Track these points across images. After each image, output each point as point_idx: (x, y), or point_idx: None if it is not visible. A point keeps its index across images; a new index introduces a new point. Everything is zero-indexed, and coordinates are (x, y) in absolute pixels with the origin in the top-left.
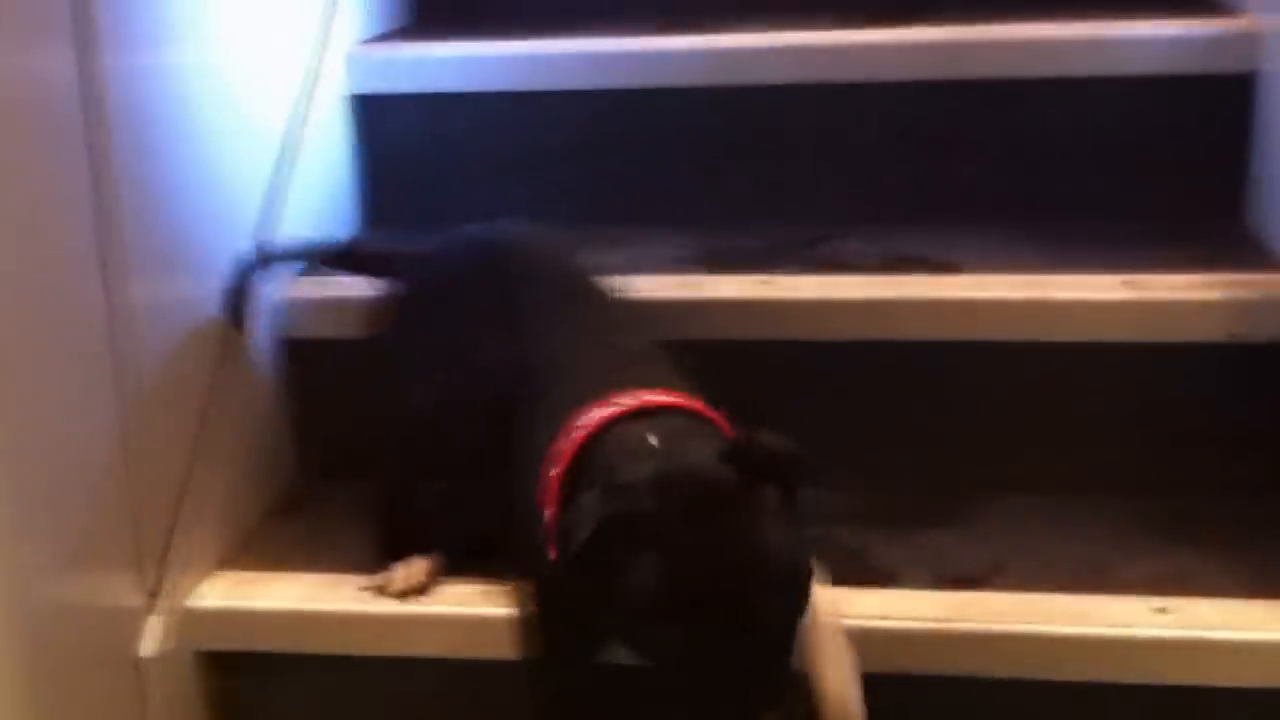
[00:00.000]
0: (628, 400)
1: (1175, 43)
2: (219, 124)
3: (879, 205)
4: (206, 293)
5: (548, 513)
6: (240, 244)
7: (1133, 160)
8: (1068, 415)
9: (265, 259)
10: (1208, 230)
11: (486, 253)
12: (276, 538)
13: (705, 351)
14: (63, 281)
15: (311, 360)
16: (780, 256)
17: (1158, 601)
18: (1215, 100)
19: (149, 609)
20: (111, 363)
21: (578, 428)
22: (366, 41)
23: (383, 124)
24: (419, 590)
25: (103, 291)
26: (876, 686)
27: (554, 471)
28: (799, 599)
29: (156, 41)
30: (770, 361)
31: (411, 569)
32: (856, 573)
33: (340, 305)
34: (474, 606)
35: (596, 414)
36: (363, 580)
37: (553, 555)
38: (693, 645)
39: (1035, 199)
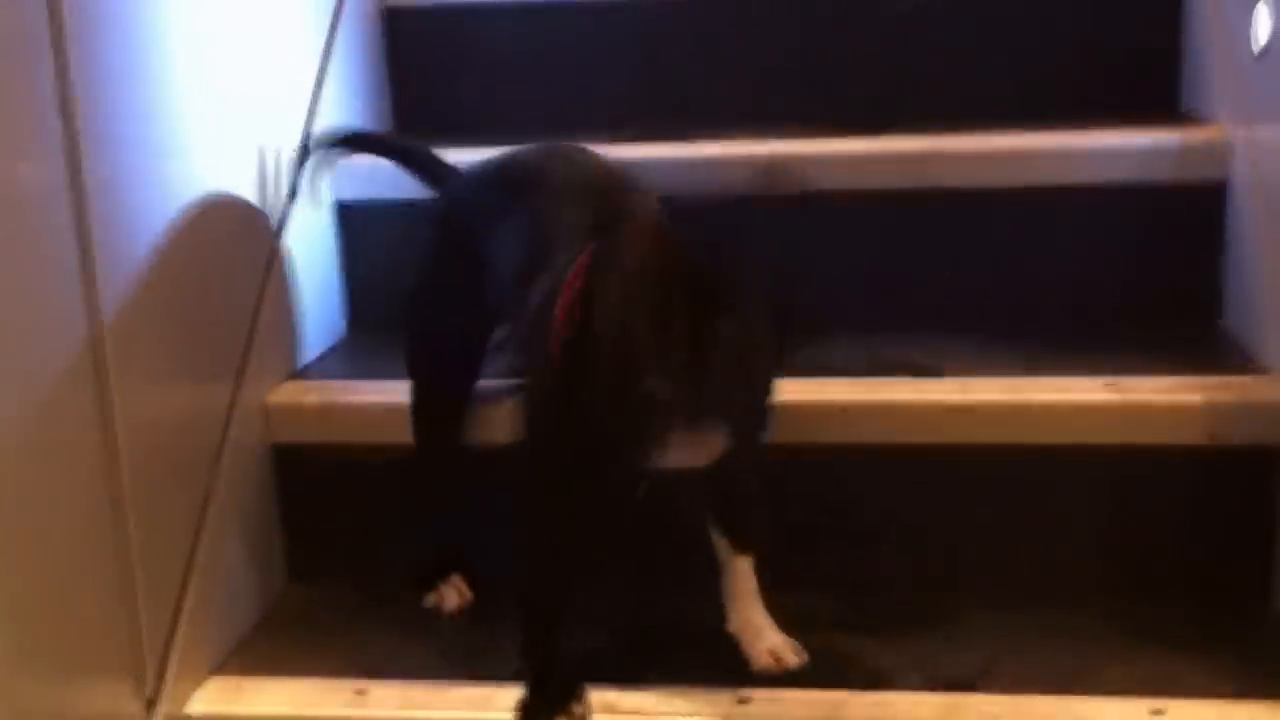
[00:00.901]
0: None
1: (1147, 153)
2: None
3: (862, 309)
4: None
5: (560, 316)
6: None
7: (1109, 265)
8: (1050, 516)
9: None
10: (1185, 332)
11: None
12: (268, 643)
13: None
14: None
15: (298, 464)
16: None
17: (1153, 703)
18: (1188, 207)
19: (146, 717)
20: (106, 478)
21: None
22: None
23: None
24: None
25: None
26: None
27: (570, 282)
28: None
29: None
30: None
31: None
32: (852, 677)
33: (324, 411)
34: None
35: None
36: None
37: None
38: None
39: (1015, 302)
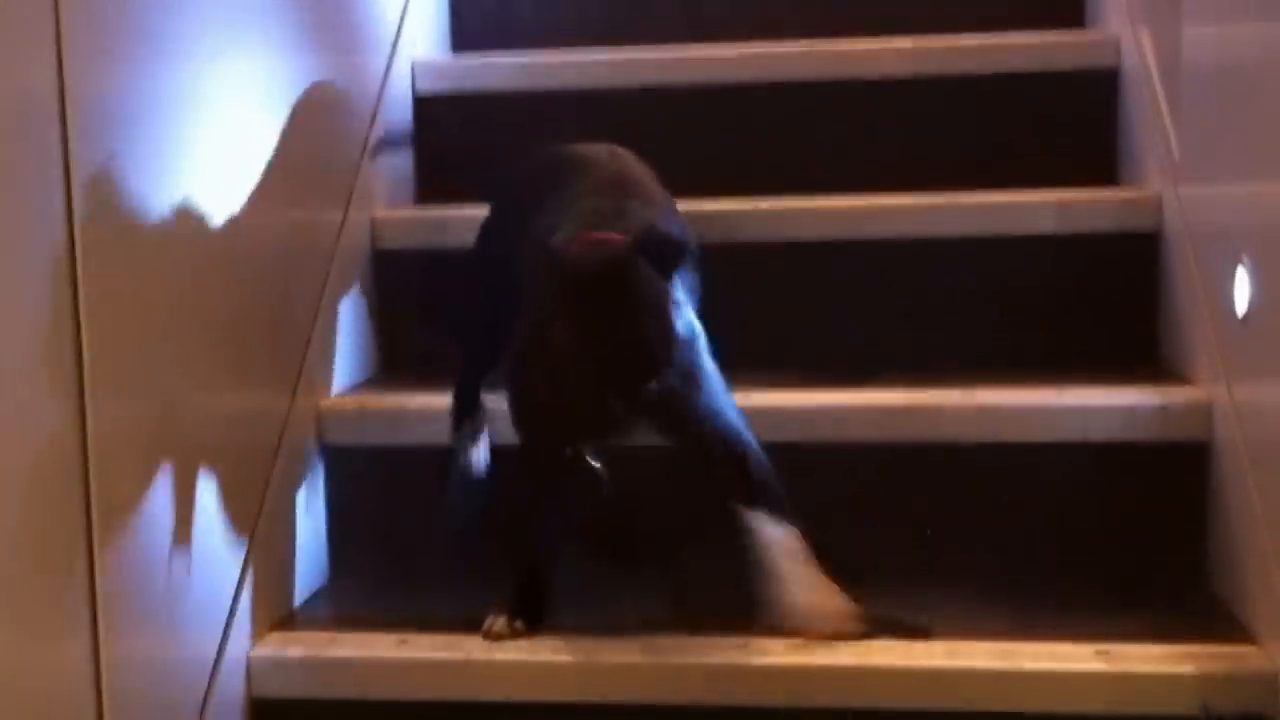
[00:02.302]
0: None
1: (1128, 412)
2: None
3: (851, 566)
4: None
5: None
6: None
7: (1094, 524)
8: None
9: None
10: (1172, 595)
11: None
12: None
13: None
14: None
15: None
16: (752, 622)
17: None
18: (1172, 466)
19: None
20: None
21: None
22: (342, 392)
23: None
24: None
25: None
26: None
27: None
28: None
29: None
30: None
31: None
32: None
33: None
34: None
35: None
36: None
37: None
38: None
39: (1003, 561)
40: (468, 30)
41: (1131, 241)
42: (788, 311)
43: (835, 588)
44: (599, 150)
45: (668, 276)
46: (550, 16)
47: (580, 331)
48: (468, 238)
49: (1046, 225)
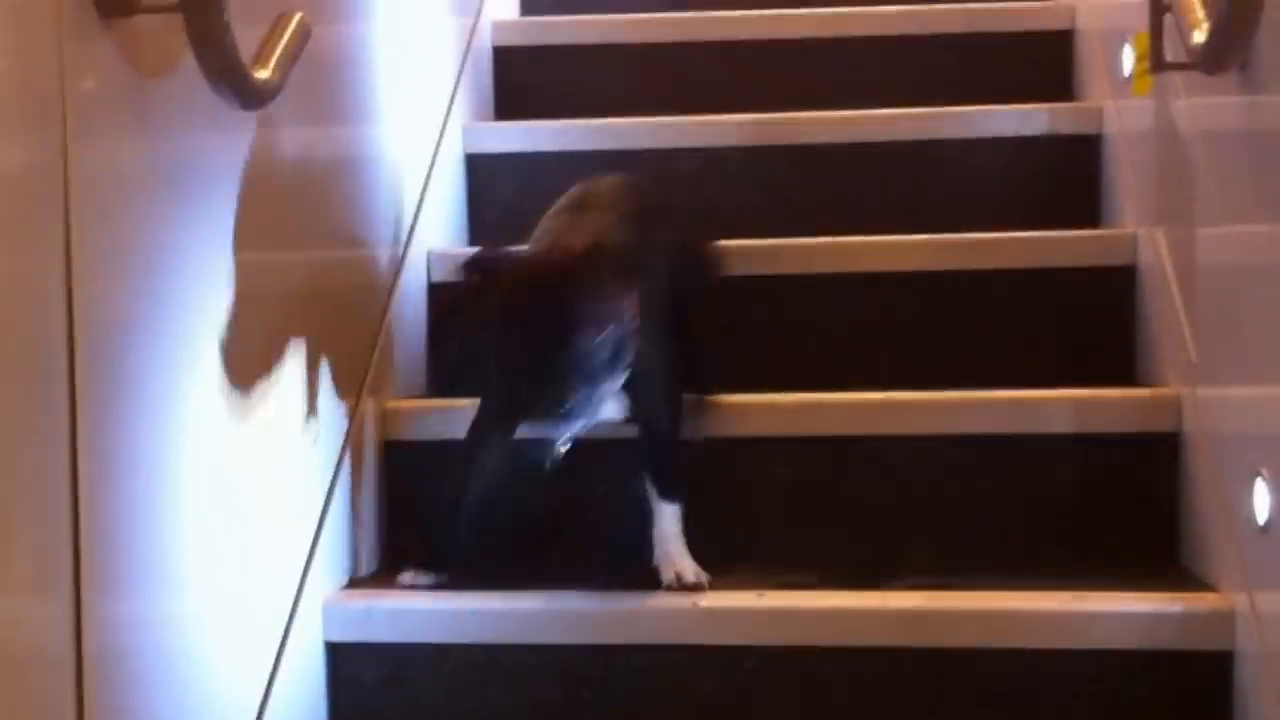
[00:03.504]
0: None
1: (1148, 619)
2: None
3: None
4: None
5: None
6: None
7: None
8: None
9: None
10: None
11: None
12: None
13: None
14: None
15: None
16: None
17: None
18: (1194, 675)
19: None
20: None
21: None
22: (343, 589)
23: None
24: None
25: None
26: None
27: None
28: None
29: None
30: None
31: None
32: None
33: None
34: None
35: None
36: None
37: None
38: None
39: None
40: (482, 230)
41: (1150, 443)
42: (803, 507)
43: (686, 553)
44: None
45: (622, 276)
46: None
47: (524, 320)
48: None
49: (1064, 425)
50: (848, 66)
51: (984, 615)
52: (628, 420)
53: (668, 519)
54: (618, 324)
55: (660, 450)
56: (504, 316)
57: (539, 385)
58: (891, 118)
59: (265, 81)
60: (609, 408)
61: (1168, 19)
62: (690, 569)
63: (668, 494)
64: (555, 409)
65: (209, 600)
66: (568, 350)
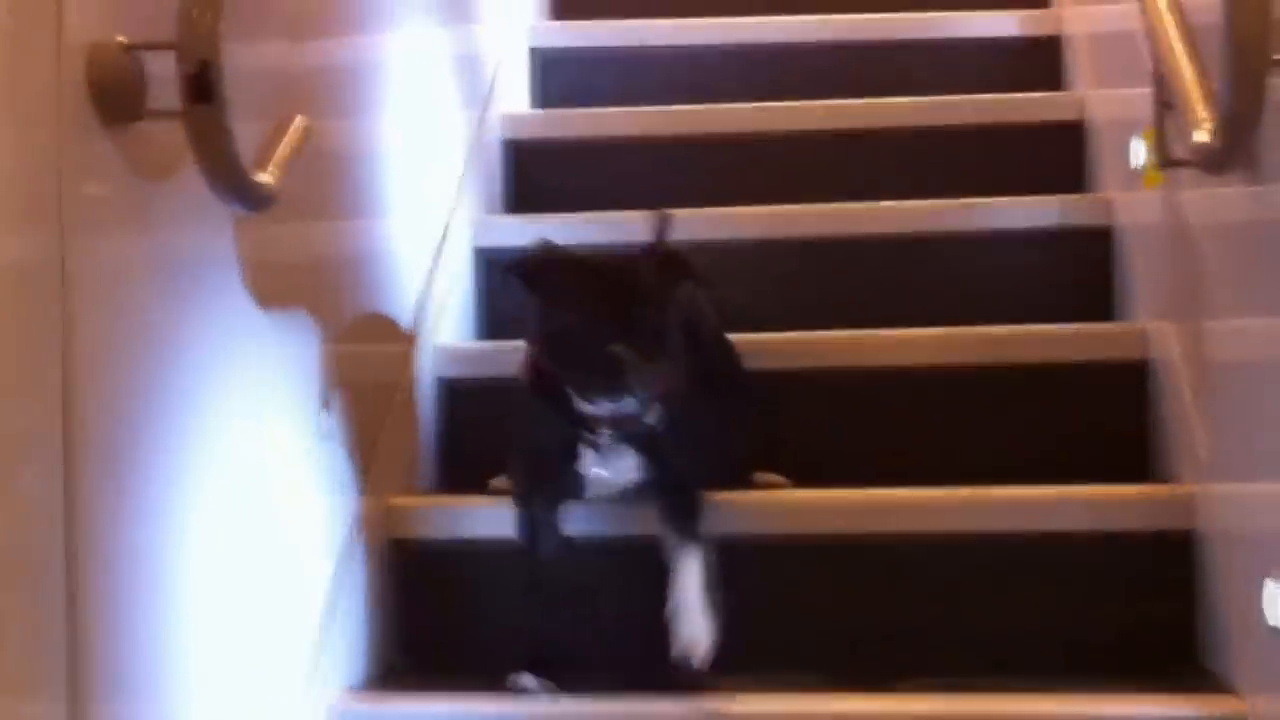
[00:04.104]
0: None
1: None
2: None
3: None
4: None
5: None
6: None
7: None
8: None
9: None
10: None
11: None
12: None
13: None
14: None
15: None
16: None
17: None
18: None
19: None
20: None
21: None
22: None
23: None
24: None
25: None
26: None
27: None
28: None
29: None
30: None
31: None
32: None
33: None
34: None
35: None
36: None
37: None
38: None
39: None
40: (494, 325)
41: (1166, 541)
42: (814, 606)
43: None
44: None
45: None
46: None
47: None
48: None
49: (1078, 522)
50: (860, 159)
51: (998, 719)
52: (647, 481)
53: (688, 562)
54: (665, 325)
55: (688, 497)
56: (562, 300)
57: (596, 359)
58: (903, 211)
59: (267, 187)
60: (630, 465)
61: (1172, 115)
62: (703, 636)
63: (690, 535)
64: (609, 382)
65: (209, 706)
66: (626, 328)
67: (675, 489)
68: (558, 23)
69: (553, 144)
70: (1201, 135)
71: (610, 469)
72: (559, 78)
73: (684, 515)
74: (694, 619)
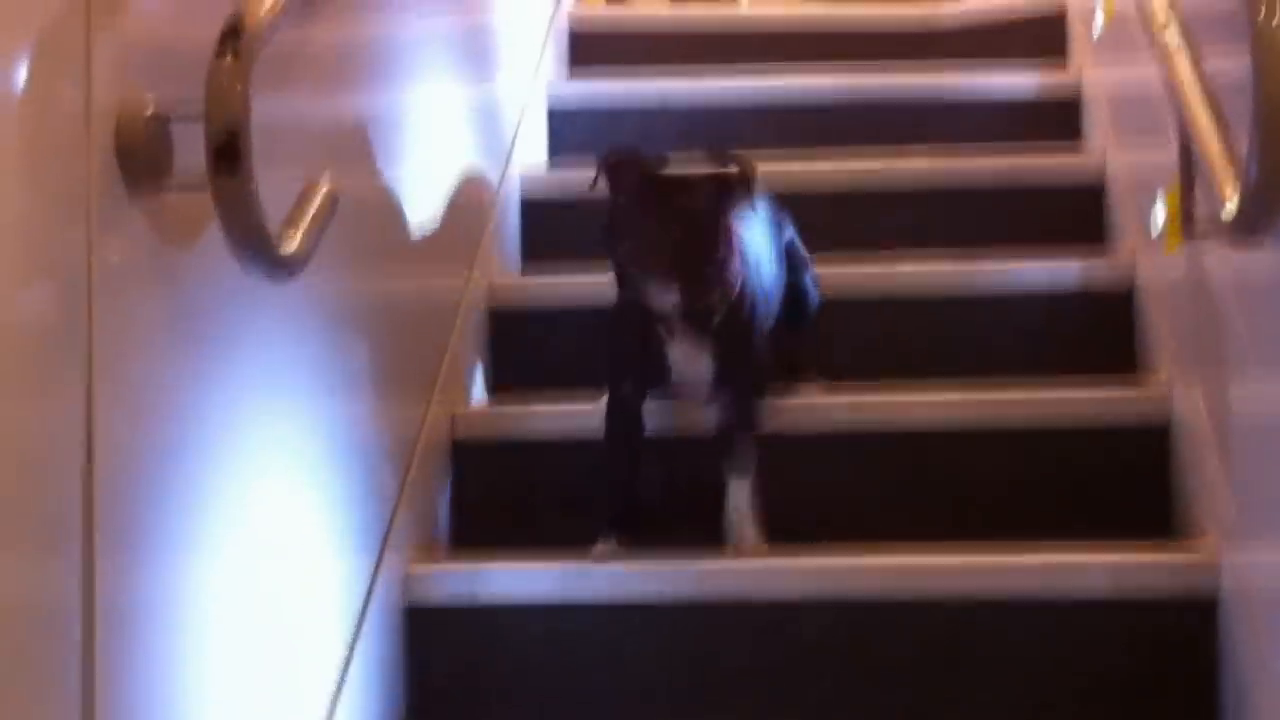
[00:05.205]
0: None
1: None
2: None
3: None
4: None
5: None
6: None
7: None
8: None
9: None
10: None
11: None
12: None
13: None
14: None
15: None
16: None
17: None
18: None
19: None
20: None
21: None
22: None
23: None
24: None
25: None
26: None
27: None
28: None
29: None
30: None
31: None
32: None
33: None
34: None
35: None
36: None
37: None
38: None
39: None
40: (511, 375)
41: (1191, 604)
42: (830, 671)
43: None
44: None
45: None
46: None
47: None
48: None
49: (1101, 588)
50: (882, 219)
51: None
52: (717, 380)
53: (738, 493)
54: (735, 240)
55: (737, 441)
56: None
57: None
58: (924, 274)
59: (292, 255)
60: (704, 365)
61: (1198, 180)
62: (750, 535)
63: (741, 470)
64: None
65: None
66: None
67: (738, 394)
68: (573, 83)
69: (565, 204)
70: (1228, 213)
71: (687, 362)
72: (576, 132)
73: (739, 453)
74: (745, 531)
